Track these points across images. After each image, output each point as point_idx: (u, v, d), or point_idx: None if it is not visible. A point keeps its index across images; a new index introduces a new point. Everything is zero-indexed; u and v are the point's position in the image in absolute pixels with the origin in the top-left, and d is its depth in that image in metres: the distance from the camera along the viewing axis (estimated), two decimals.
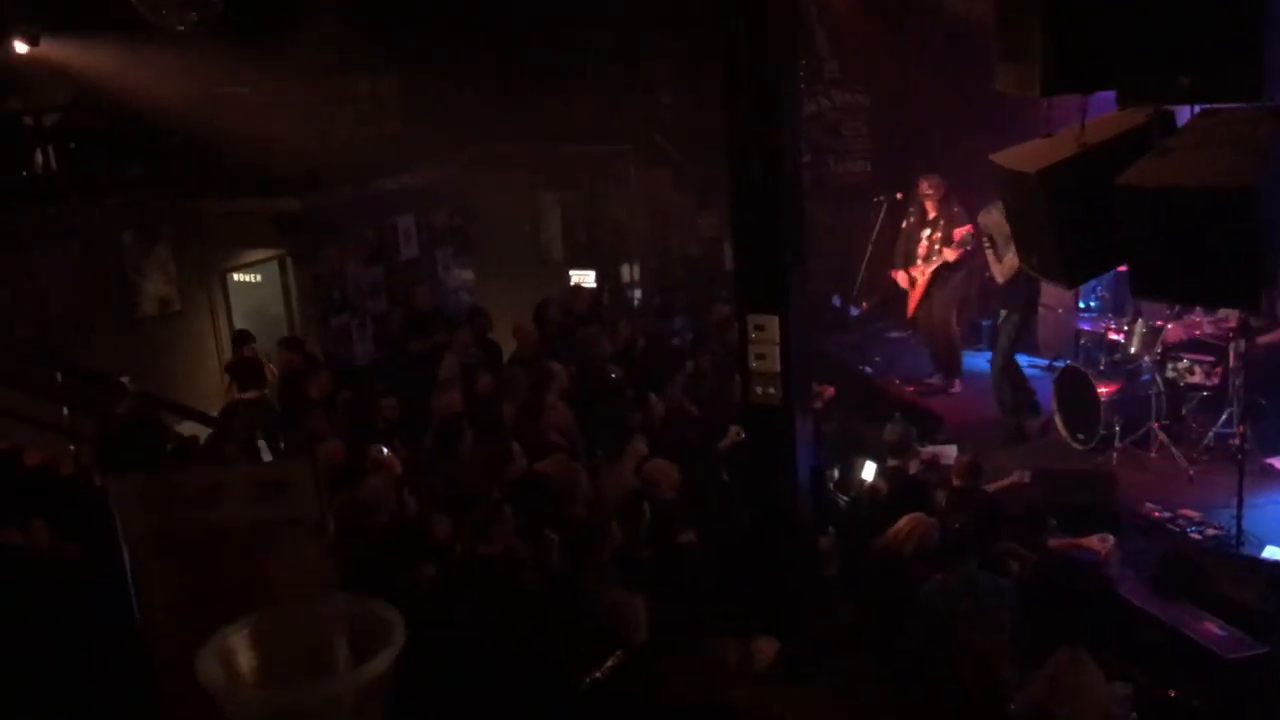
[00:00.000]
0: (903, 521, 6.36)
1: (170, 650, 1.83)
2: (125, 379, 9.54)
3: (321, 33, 12.83)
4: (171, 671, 1.82)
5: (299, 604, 1.82)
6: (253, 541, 1.97)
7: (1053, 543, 7.15)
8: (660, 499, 6.95)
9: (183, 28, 7.31)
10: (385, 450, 8.30)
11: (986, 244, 10.21)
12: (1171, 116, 5.48)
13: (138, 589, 1.89)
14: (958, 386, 10.99)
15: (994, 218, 9.99)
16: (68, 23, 10.56)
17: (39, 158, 11.64)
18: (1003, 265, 10.06)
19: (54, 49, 10.50)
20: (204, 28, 7.63)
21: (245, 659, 1.64)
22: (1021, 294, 10.12)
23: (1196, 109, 5.20)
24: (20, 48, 10.27)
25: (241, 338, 11.17)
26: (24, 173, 11.41)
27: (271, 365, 10.81)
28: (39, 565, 6.04)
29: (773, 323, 5.74)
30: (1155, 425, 9.18)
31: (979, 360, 11.16)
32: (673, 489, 7.07)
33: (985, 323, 11.60)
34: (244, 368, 10.77)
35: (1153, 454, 9.20)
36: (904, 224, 11.07)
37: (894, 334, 12.12)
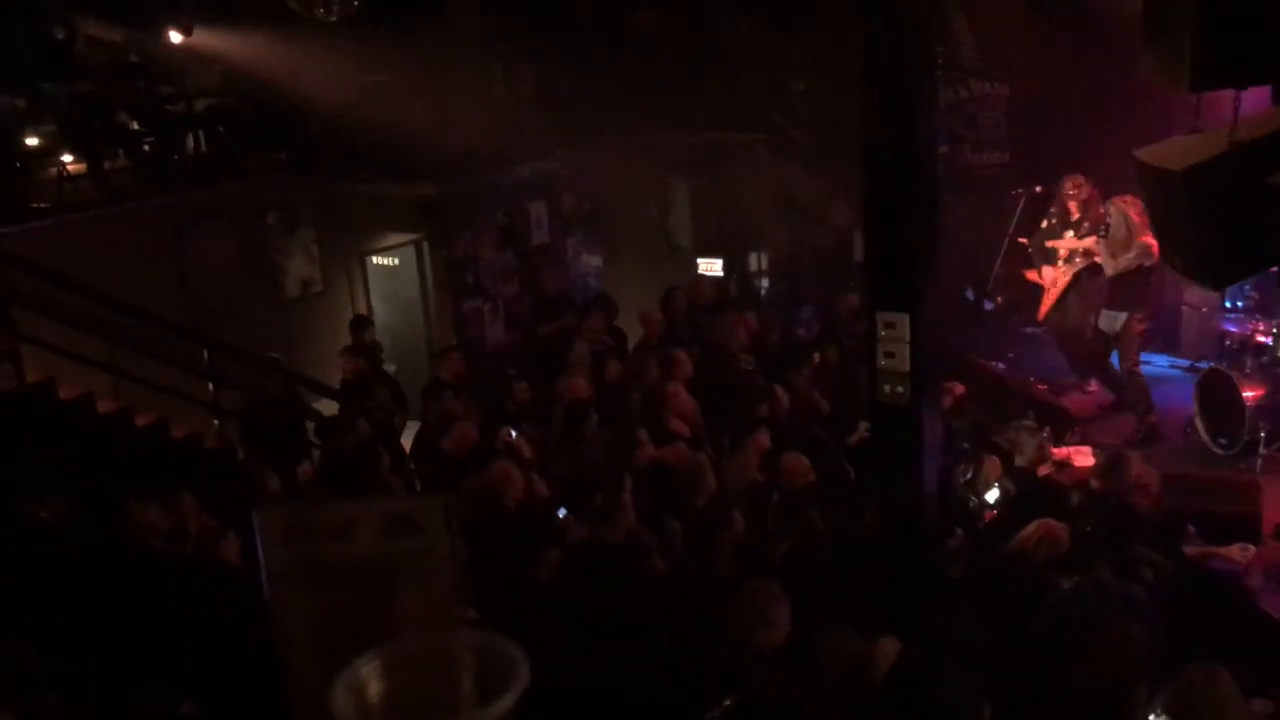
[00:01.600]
0: (1032, 527, 6.24)
1: (305, 679, 1.91)
2: (276, 355, 9.86)
3: (461, 22, 13.04)
4: (306, 701, 1.89)
5: (427, 637, 1.87)
6: (385, 574, 2.03)
7: (1191, 551, 6.94)
8: (791, 492, 6.95)
9: (328, 19, 7.52)
10: (514, 434, 8.45)
11: (1103, 231, 9.99)
12: None
13: (276, 619, 1.97)
14: (1094, 385, 10.72)
15: (1122, 212, 9.79)
16: (220, 13, 10.94)
17: (190, 141, 12.07)
18: (1115, 261, 9.88)
19: (207, 38, 10.89)
20: (348, 18, 7.84)
21: (375, 691, 1.69)
22: (1135, 294, 9.91)
23: None
24: (175, 37, 10.67)
25: (358, 323, 11.41)
26: (175, 156, 11.83)
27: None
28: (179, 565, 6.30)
29: (903, 320, 5.66)
30: None
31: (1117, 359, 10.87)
32: (806, 484, 7.06)
33: None
34: (363, 353, 11.02)
35: None
36: (1044, 223, 10.82)
37: (1029, 329, 11.87)
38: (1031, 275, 10.99)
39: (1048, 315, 10.92)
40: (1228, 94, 5.26)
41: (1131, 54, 5.59)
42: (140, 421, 9.79)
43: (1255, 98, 5.32)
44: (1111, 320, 10.05)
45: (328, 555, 2.03)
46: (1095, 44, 10.80)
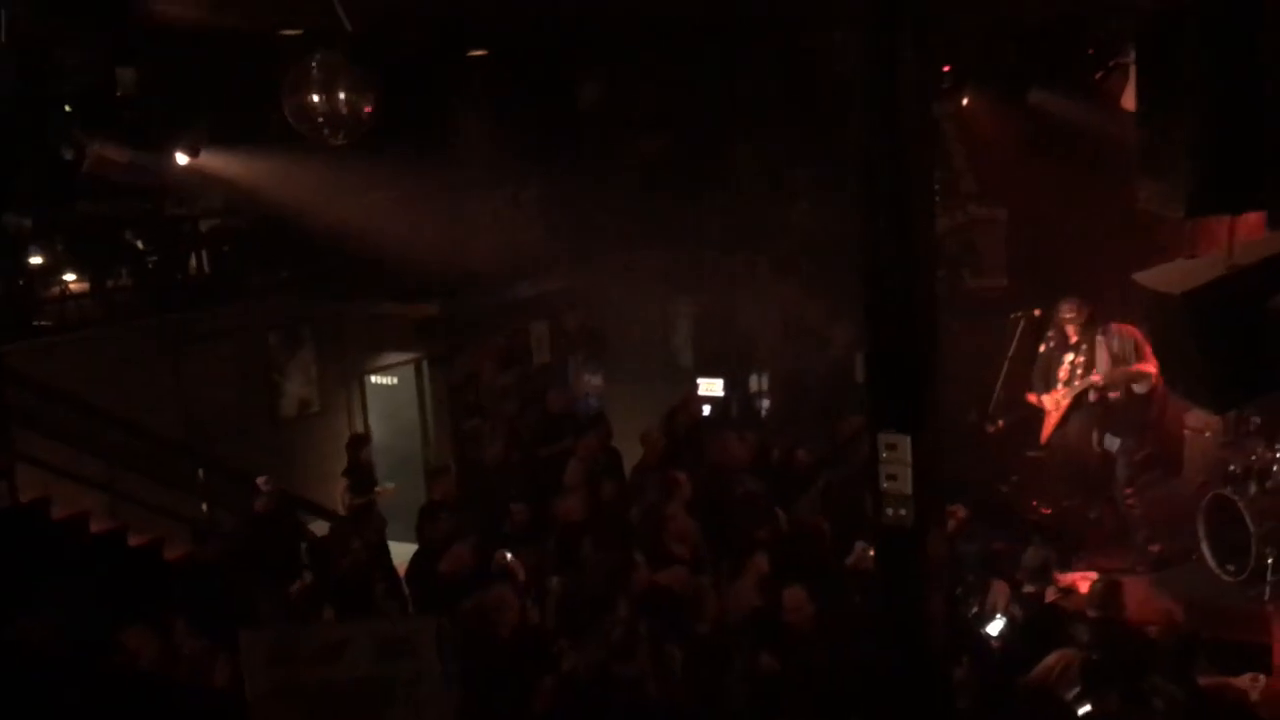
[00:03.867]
0: (1052, 658, 6.12)
1: None
2: (261, 479, 9.76)
3: (467, 143, 13.25)
4: None
5: None
6: (374, 698, 1.96)
7: (1203, 681, 6.77)
8: (793, 625, 6.83)
9: (337, 143, 7.62)
10: (510, 556, 8.35)
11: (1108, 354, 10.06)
12: None
13: None
14: (1096, 511, 10.62)
15: (1128, 337, 9.86)
16: (227, 135, 11.11)
17: (194, 261, 12.17)
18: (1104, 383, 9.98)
19: (213, 159, 11.03)
20: (355, 141, 7.94)
21: None
22: (1132, 420, 9.91)
23: None
24: (182, 159, 10.81)
25: (357, 442, 11.35)
26: (179, 275, 11.92)
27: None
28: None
29: (905, 443, 5.60)
30: None
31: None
32: (805, 620, 6.91)
33: None
34: (359, 472, 10.94)
35: None
36: (1043, 347, 10.86)
37: (1032, 453, 11.78)
38: (1032, 399, 10.97)
39: (1049, 439, 10.87)
40: (1223, 219, 5.30)
41: (1127, 179, 5.64)
42: (133, 542, 9.69)
43: (1248, 221, 5.36)
44: (1113, 443, 10.07)
45: (315, 678, 1.96)
46: (1091, 169, 10.95)
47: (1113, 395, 10.10)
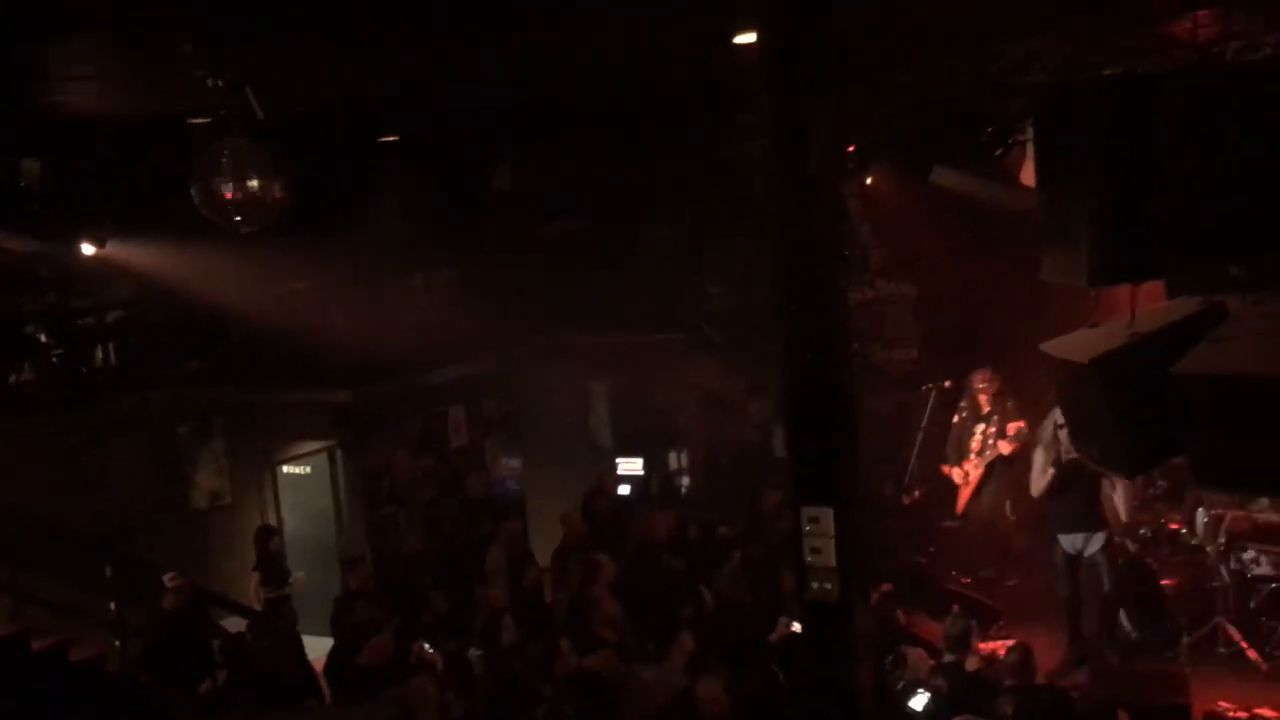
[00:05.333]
0: None
1: None
2: (168, 576, 9.45)
3: (381, 228, 13.20)
4: None
5: None
6: None
7: None
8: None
9: (247, 230, 7.54)
10: (428, 647, 8.19)
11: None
12: (1223, 305, 5.46)
13: None
14: (1014, 579, 10.73)
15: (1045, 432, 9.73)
16: (135, 225, 10.91)
17: (99, 353, 11.88)
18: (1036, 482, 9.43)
19: (120, 250, 10.83)
20: (266, 227, 7.86)
21: None
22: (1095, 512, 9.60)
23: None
24: (88, 249, 10.60)
25: (265, 534, 11.10)
26: (84, 369, 11.64)
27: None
28: None
29: (828, 515, 5.62)
30: (1222, 620, 8.86)
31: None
32: (720, 712, 6.81)
33: None
34: (271, 565, 10.70)
35: (1221, 649, 8.86)
36: (955, 418, 11.03)
37: (948, 523, 11.92)
38: (946, 470, 11.12)
39: (965, 508, 11.00)
40: (1124, 288, 5.46)
41: (1031, 251, 5.80)
42: (36, 645, 9.31)
43: (1148, 289, 5.53)
44: (1078, 542, 9.27)
45: None
46: (995, 242, 11.23)
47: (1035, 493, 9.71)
